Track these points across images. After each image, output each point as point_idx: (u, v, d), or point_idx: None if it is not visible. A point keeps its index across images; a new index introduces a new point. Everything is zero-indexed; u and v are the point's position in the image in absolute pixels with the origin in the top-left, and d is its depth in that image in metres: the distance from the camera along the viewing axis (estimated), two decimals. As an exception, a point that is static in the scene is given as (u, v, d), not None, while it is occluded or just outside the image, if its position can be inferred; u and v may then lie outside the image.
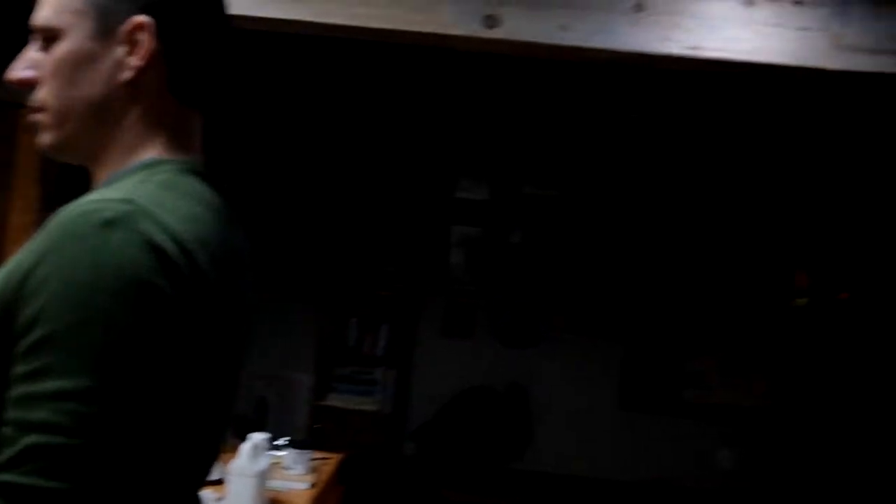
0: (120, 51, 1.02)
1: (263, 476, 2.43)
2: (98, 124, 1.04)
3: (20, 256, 0.94)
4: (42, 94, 1.05)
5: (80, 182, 3.10)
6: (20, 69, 1.07)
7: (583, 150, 5.47)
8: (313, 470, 2.83)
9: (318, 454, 3.04)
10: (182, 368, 0.92)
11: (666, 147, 5.34)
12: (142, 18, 1.02)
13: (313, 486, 2.71)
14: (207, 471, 1.07)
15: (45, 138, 1.06)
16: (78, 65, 1.02)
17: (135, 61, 1.02)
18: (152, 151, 1.05)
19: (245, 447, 2.43)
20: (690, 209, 5.46)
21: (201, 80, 1.08)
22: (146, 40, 1.02)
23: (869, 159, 5.05)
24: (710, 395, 5.45)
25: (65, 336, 0.84)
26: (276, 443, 2.98)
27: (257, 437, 2.54)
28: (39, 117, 1.06)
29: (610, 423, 5.47)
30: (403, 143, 5.49)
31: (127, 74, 1.02)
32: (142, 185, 0.97)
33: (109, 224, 0.87)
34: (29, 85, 1.06)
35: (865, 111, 4.41)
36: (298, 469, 2.76)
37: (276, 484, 2.64)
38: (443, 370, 5.52)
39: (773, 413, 5.42)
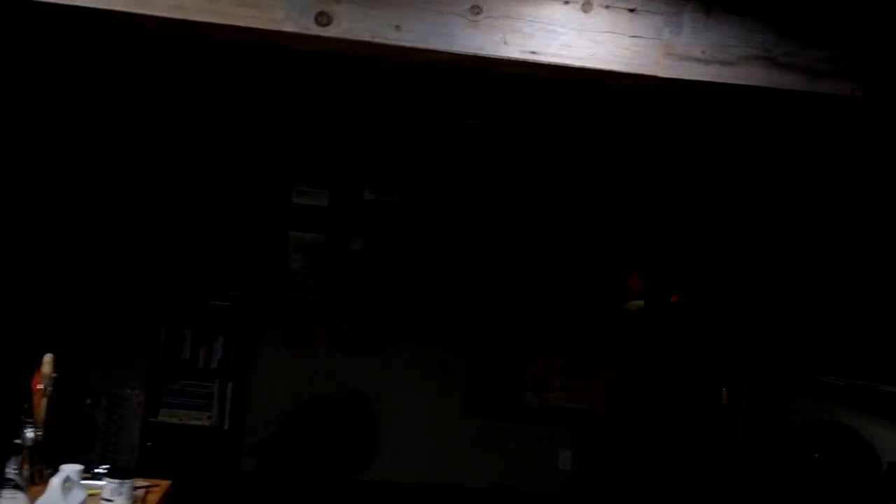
0: None
1: (77, 511, 2.20)
2: None
3: None
4: None
5: None
6: None
7: (422, 155, 5.42)
8: (137, 500, 2.61)
9: (143, 482, 2.82)
10: None
11: (504, 152, 5.37)
12: None
13: (137, 517, 2.50)
14: None
15: None
16: None
17: None
18: None
19: (54, 480, 2.20)
20: (528, 214, 5.51)
21: None
22: None
23: (699, 165, 5.25)
24: (551, 398, 5.51)
25: None
26: (95, 471, 2.74)
27: (70, 469, 2.31)
28: None
29: (455, 429, 5.44)
30: (238, 148, 5.27)
31: None
32: None
33: None
34: None
35: (698, 119, 4.57)
36: (119, 501, 2.54)
37: (94, 518, 2.41)
38: (283, 381, 5.33)
39: (611, 414, 5.54)
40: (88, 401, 5.21)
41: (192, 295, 5.16)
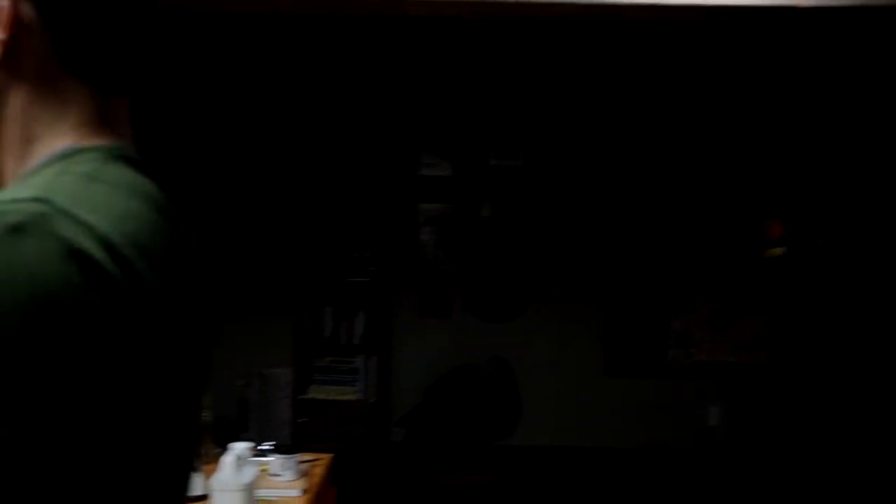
0: None
1: (251, 488, 2.28)
2: None
3: None
4: None
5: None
6: None
7: (546, 115, 5.34)
8: (303, 474, 2.69)
9: (307, 456, 2.90)
10: (123, 390, 0.78)
11: (632, 105, 5.23)
12: None
13: (305, 491, 2.58)
14: (180, 493, 0.94)
15: None
16: None
17: None
18: (63, 139, 0.87)
19: (227, 459, 2.29)
20: (660, 165, 5.36)
21: (100, 50, 0.89)
22: (5, 6, 0.84)
23: (835, 102, 4.98)
24: (695, 353, 5.38)
25: None
26: (260, 448, 2.84)
27: (240, 447, 2.40)
28: None
29: (597, 389, 5.39)
30: (363, 124, 5.33)
31: None
32: (59, 179, 0.79)
33: (18, 230, 0.72)
34: None
35: (833, 54, 4.33)
36: (287, 475, 2.62)
37: (265, 494, 2.49)
38: (424, 352, 5.40)
39: (761, 367, 5.37)
40: (241, 382, 5.43)
41: (329, 273, 5.28)
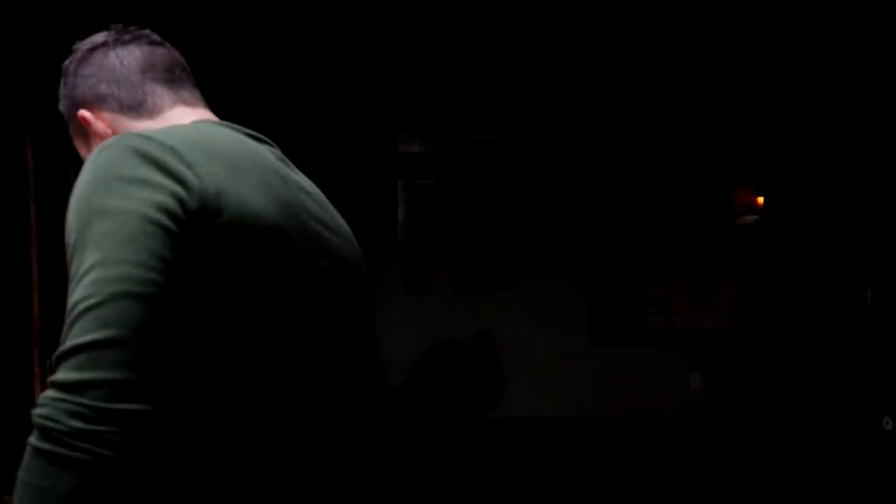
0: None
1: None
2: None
3: None
4: None
5: (23, 172, 2.78)
6: None
7: (524, 87, 5.35)
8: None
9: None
10: (216, 266, 1.01)
11: (608, 74, 5.26)
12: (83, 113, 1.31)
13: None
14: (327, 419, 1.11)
15: None
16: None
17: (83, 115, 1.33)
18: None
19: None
20: (636, 134, 5.41)
21: (136, 96, 1.32)
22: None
23: (809, 69, 5.05)
24: (676, 320, 5.46)
25: (77, 239, 0.99)
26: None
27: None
28: None
29: (581, 359, 5.44)
30: (339, 101, 5.29)
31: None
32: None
33: (101, 148, 1.04)
34: None
35: (808, 14, 4.38)
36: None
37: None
38: (408, 328, 5.40)
39: (740, 332, 5.46)
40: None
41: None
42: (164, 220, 0.97)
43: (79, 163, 3.59)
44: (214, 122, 1.24)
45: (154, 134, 1.05)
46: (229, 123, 1.26)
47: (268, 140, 1.32)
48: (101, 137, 1.28)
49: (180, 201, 0.99)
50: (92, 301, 0.93)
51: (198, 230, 0.99)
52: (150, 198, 0.98)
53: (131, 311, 0.93)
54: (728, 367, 5.44)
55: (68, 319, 0.94)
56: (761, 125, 5.39)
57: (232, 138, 1.16)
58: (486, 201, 5.44)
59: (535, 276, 5.43)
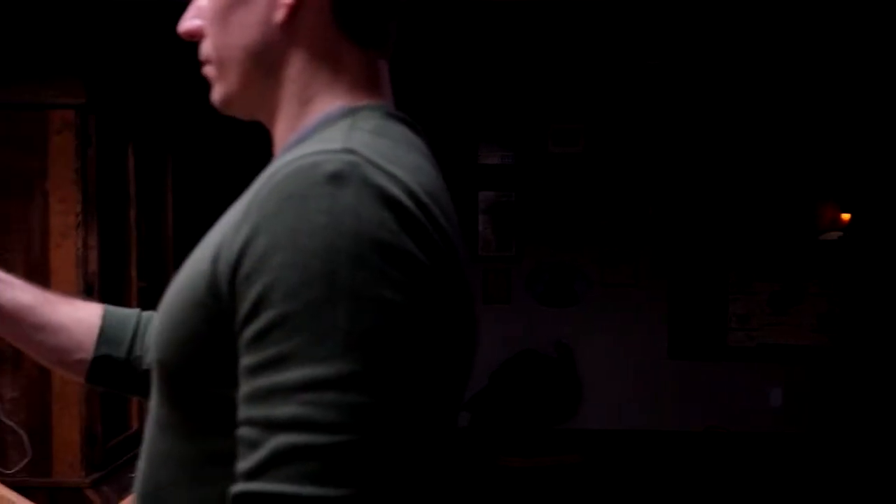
0: None
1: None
2: (261, 73, 0.91)
3: (222, 231, 0.81)
4: (206, 45, 0.95)
5: (123, 177, 2.96)
6: (187, 19, 0.96)
7: (606, 100, 5.37)
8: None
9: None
10: (438, 344, 0.78)
11: (692, 86, 5.24)
12: None
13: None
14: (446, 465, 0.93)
15: (214, 93, 0.96)
16: (230, 8, 0.90)
17: None
18: (337, 100, 0.90)
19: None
20: (717, 148, 5.37)
21: (373, 13, 0.92)
22: None
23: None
24: (757, 335, 5.39)
25: (304, 315, 0.70)
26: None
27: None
28: (207, 70, 0.96)
29: (660, 372, 5.41)
30: (421, 114, 5.39)
31: (280, 14, 0.88)
32: (352, 134, 0.82)
33: (336, 178, 0.74)
34: (196, 36, 0.95)
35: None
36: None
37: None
38: (486, 337, 5.43)
39: (823, 349, 5.35)
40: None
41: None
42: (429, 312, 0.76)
43: (176, 171, 3.71)
44: (405, 123, 0.95)
45: (394, 169, 0.79)
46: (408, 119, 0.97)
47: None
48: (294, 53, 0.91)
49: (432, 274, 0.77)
50: (334, 438, 0.69)
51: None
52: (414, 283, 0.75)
53: (395, 461, 0.72)
54: (810, 385, 5.34)
55: (270, 439, 0.70)
56: (847, 141, 5.30)
57: (432, 171, 0.90)
58: (565, 213, 5.47)
59: (614, 289, 5.44)
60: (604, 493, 4.74)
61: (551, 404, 5.31)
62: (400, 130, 0.90)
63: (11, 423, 2.74)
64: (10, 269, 1.20)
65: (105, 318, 1.16)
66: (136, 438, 2.82)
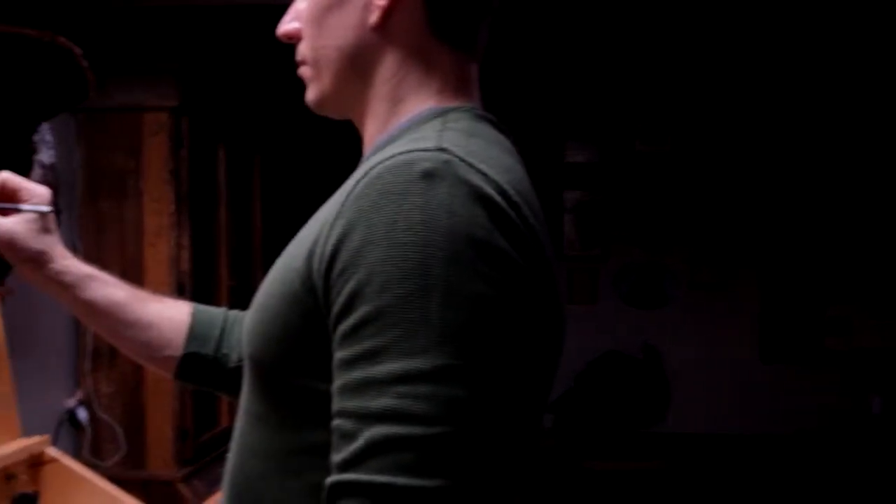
0: None
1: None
2: (355, 74, 0.94)
3: (316, 228, 0.83)
4: (302, 47, 0.98)
5: (213, 178, 3.03)
6: (285, 22, 1.01)
7: (696, 97, 5.26)
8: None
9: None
10: (528, 341, 0.80)
11: (790, 83, 5.08)
12: None
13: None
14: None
15: (308, 93, 0.99)
16: (326, 10, 0.94)
17: (380, 0, 0.91)
18: (427, 101, 0.93)
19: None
20: (817, 148, 5.19)
21: (466, 15, 0.94)
22: None
23: None
24: (856, 340, 5.19)
25: (399, 310, 0.72)
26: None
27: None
28: (303, 71, 0.99)
29: (752, 376, 5.27)
30: (508, 108, 5.37)
31: (374, 17, 0.91)
32: (444, 134, 0.84)
33: (430, 175, 0.76)
34: (294, 38, 1.00)
35: None
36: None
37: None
38: (571, 338, 5.37)
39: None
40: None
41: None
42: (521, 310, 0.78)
43: (264, 172, 3.79)
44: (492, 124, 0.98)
45: (486, 168, 0.81)
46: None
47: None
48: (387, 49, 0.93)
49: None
50: (429, 430, 0.70)
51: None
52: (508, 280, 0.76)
53: (486, 455, 0.73)
54: (913, 393, 5.12)
55: (365, 430, 0.71)
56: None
57: (522, 171, 0.92)
58: (653, 213, 5.38)
59: (704, 290, 5.31)
60: (688, 500, 4.64)
61: (638, 407, 5.22)
62: (489, 131, 0.92)
63: (107, 418, 2.82)
64: (106, 267, 1.24)
65: (194, 315, 1.20)
66: (225, 435, 2.87)
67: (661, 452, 5.07)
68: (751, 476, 4.84)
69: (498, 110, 1.01)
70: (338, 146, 2.58)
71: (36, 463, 1.79)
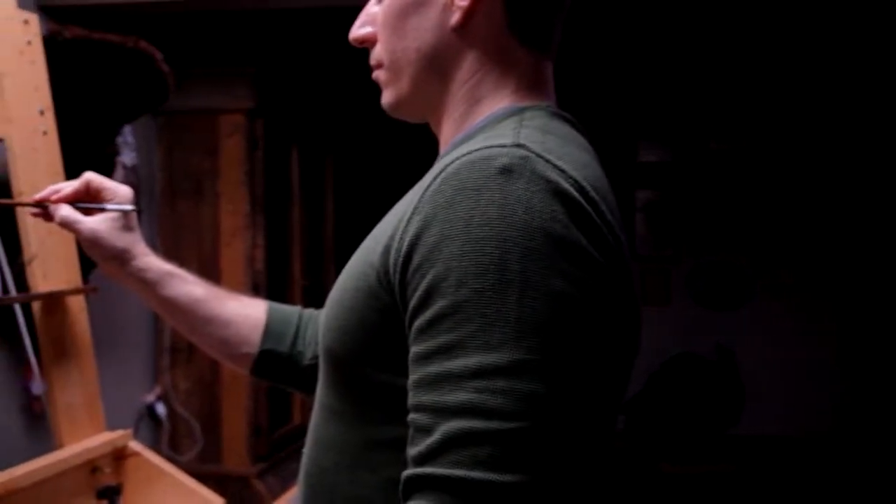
0: None
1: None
2: (433, 76, 0.94)
3: (391, 224, 0.83)
4: (377, 50, 0.98)
5: (287, 179, 3.07)
6: (358, 26, 1.01)
7: (771, 96, 5.14)
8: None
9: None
10: (605, 338, 0.79)
11: (870, 83, 4.93)
12: None
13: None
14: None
15: (384, 97, 0.99)
16: (404, 13, 0.93)
17: (461, 2, 0.90)
18: (504, 100, 0.93)
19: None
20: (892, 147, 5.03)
21: (543, 15, 0.93)
22: None
23: None
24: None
25: (476, 304, 0.71)
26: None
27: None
28: (378, 75, 1.00)
29: (828, 380, 5.13)
30: (581, 107, 5.33)
31: (455, 18, 0.91)
32: (521, 131, 0.84)
33: (507, 171, 0.75)
34: (366, 42, 1.00)
35: None
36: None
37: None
38: (644, 338, 5.30)
39: None
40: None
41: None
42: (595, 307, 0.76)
43: (336, 173, 3.83)
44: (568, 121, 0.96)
45: (563, 164, 0.80)
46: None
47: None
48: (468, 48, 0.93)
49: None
50: (506, 424, 0.69)
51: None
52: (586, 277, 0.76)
53: (563, 451, 0.72)
54: None
55: (442, 424, 0.71)
56: None
57: (598, 168, 0.92)
58: (728, 213, 5.27)
59: (780, 292, 5.19)
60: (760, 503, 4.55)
61: (711, 410, 5.13)
62: (565, 129, 0.91)
63: (185, 413, 2.89)
64: (184, 266, 1.26)
65: (270, 314, 1.21)
66: (298, 432, 2.91)
67: (734, 455, 4.97)
68: (826, 479, 4.71)
69: (571, 109, 1.00)
70: (409, 146, 2.59)
71: (119, 456, 1.83)
